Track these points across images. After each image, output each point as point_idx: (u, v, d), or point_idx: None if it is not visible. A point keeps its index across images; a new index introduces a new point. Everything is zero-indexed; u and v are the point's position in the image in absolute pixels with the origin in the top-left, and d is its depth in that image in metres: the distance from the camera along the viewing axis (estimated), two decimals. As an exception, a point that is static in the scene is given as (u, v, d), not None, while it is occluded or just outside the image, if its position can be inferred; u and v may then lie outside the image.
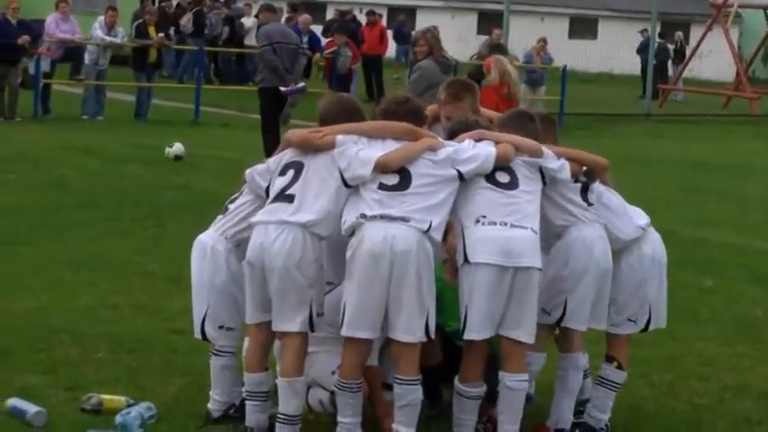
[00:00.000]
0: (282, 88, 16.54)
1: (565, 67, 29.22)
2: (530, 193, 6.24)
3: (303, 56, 17.63)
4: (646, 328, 6.83)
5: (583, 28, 54.54)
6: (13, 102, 21.52)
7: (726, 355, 8.68)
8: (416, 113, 6.51)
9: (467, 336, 6.09)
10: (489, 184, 6.18)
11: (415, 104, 6.61)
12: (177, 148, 17.24)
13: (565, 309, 6.48)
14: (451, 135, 6.56)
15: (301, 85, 17.24)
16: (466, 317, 6.07)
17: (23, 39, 21.21)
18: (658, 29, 37.69)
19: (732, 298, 10.59)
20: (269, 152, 16.86)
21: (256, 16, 31.28)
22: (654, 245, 6.80)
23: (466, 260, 6.05)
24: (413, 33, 16.54)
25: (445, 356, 6.52)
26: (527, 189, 6.23)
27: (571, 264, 6.44)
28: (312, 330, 6.13)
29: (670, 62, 39.69)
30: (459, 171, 6.14)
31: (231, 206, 6.58)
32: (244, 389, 6.35)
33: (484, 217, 6.09)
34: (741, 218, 15.57)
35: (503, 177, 6.21)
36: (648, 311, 6.76)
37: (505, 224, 6.06)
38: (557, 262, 6.48)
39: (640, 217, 6.81)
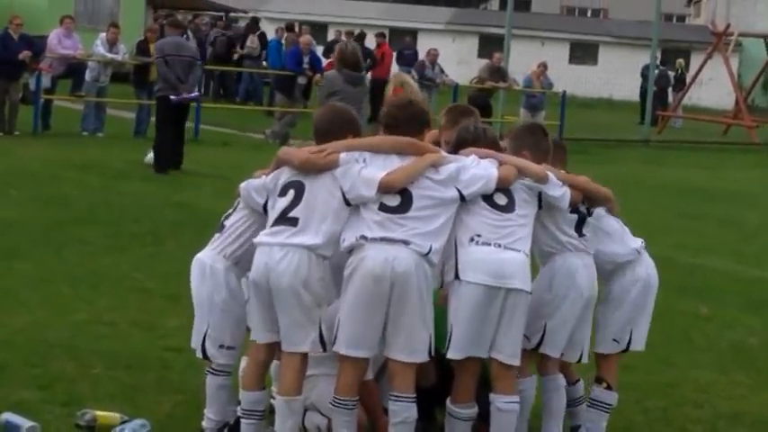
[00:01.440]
0: (172, 97, 17.87)
1: (564, 92, 29.29)
2: (524, 216, 6.26)
3: (198, 67, 18.98)
4: (626, 349, 6.86)
5: (583, 53, 54.75)
6: (12, 117, 21.54)
7: (720, 382, 8.68)
8: (418, 117, 6.47)
9: (449, 354, 6.11)
10: (486, 205, 6.20)
11: (417, 108, 6.55)
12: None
13: (543, 335, 6.50)
14: (458, 143, 6.56)
15: (194, 94, 18.69)
16: (450, 335, 6.08)
17: (24, 54, 21.25)
18: (659, 56, 37.80)
19: (728, 325, 10.60)
20: (158, 156, 17.95)
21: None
22: (648, 269, 6.84)
23: (456, 277, 6.06)
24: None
25: (440, 378, 6.53)
26: (522, 213, 6.25)
27: (554, 289, 6.47)
28: (324, 350, 6.12)
29: (670, 89, 39.78)
30: (460, 192, 6.16)
31: (227, 223, 6.57)
32: (239, 407, 6.35)
33: (479, 236, 6.11)
34: (738, 245, 15.59)
35: (500, 199, 6.23)
36: (630, 333, 6.80)
37: (499, 246, 6.08)
38: (540, 287, 6.50)
39: (636, 241, 6.86)
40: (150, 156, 18.30)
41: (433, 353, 6.08)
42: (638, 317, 6.82)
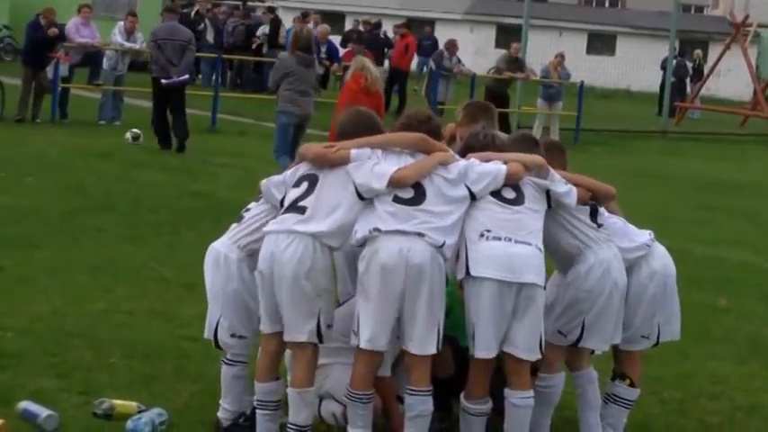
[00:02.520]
0: (164, 80, 18.94)
1: (582, 82, 29.21)
2: (535, 211, 6.25)
3: (191, 51, 19.81)
4: (657, 342, 6.86)
5: (601, 44, 54.59)
6: (37, 105, 21.72)
7: (738, 374, 8.67)
8: (436, 132, 6.53)
9: (477, 354, 6.10)
10: (494, 199, 6.20)
11: (436, 123, 6.61)
12: (133, 132, 19.62)
13: (582, 330, 6.49)
14: (465, 149, 6.58)
15: (184, 77, 19.32)
16: (474, 335, 6.07)
17: (52, 31, 21.41)
18: (677, 47, 37.68)
19: (745, 317, 10.58)
20: (157, 132, 19.08)
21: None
22: (662, 259, 6.82)
23: (468, 273, 6.05)
24: None
25: (457, 369, 6.53)
26: (532, 207, 6.25)
27: (590, 286, 6.43)
28: (321, 342, 6.15)
29: (688, 80, 39.64)
30: (470, 191, 6.16)
31: (246, 215, 6.60)
32: (254, 398, 6.38)
33: (488, 231, 6.09)
34: (756, 237, 15.56)
35: (509, 194, 6.23)
36: (658, 325, 6.78)
37: (510, 239, 6.06)
38: (575, 285, 6.47)
39: (642, 235, 6.82)
40: (128, 135, 19.61)
41: (440, 346, 6.07)
42: (664, 308, 6.79)
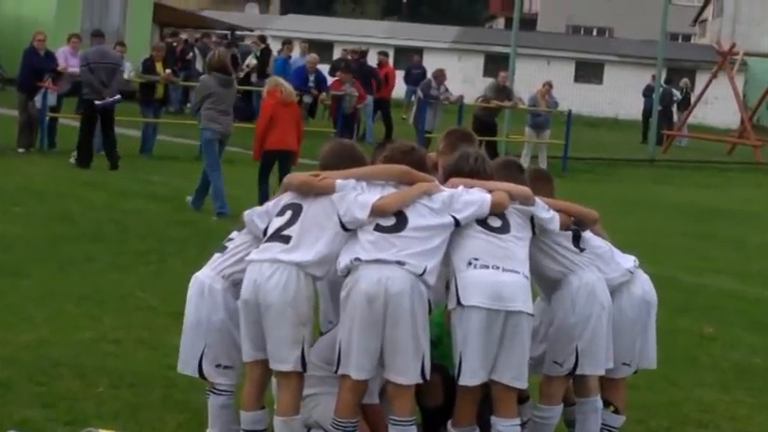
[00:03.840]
0: (97, 102, 19.85)
1: (570, 111, 29.30)
2: (521, 239, 6.27)
3: (121, 73, 20.93)
4: (636, 370, 6.87)
5: (589, 72, 54.78)
6: (31, 131, 21.78)
7: (724, 402, 8.68)
8: (421, 164, 6.53)
9: (462, 382, 6.10)
10: (481, 228, 6.21)
11: (420, 154, 6.61)
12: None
13: (577, 357, 6.50)
14: (452, 172, 6.55)
15: (116, 97, 20.23)
16: (461, 362, 6.07)
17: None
18: (664, 75, 37.82)
19: (732, 345, 10.59)
20: (80, 152, 19.87)
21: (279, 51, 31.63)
22: (644, 286, 6.85)
23: (459, 303, 6.06)
24: None
25: (446, 398, 6.53)
26: (518, 235, 6.27)
27: (577, 311, 6.46)
28: (305, 370, 6.15)
29: (674, 108, 39.76)
30: (455, 218, 6.18)
31: (229, 245, 6.60)
32: (241, 428, 6.36)
33: (476, 260, 6.10)
34: (743, 265, 15.59)
35: (495, 222, 6.25)
36: (638, 353, 6.80)
37: (497, 268, 6.07)
38: (562, 311, 6.49)
39: (627, 261, 6.85)
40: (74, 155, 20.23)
41: (428, 376, 6.07)
42: (643, 336, 6.82)
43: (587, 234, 6.72)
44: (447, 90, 28.61)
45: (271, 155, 15.94)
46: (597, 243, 6.78)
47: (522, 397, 6.82)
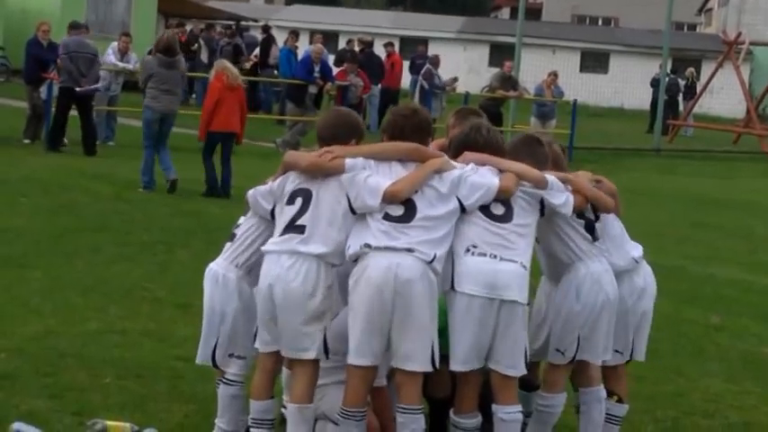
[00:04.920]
0: (77, 88, 20.45)
1: (575, 100, 29.25)
2: (523, 226, 6.20)
3: (98, 63, 21.47)
4: (629, 359, 6.86)
5: (594, 62, 54.79)
6: (39, 123, 21.70)
7: (731, 392, 8.67)
8: (423, 127, 6.43)
9: (452, 367, 6.10)
10: (483, 215, 6.15)
11: (421, 117, 6.49)
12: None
13: (578, 345, 6.49)
14: (466, 144, 6.46)
15: (95, 86, 21.04)
16: (453, 348, 6.06)
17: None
18: (670, 65, 37.77)
19: (739, 335, 10.58)
20: (51, 136, 20.70)
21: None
22: (646, 277, 6.83)
23: (452, 287, 6.04)
24: None
25: (454, 389, 6.51)
26: (521, 222, 6.19)
27: (582, 299, 6.44)
28: (327, 357, 6.13)
29: (680, 97, 39.73)
30: (461, 203, 6.15)
31: (237, 232, 6.57)
32: (249, 417, 6.36)
33: (474, 247, 6.07)
34: (749, 255, 15.59)
35: (497, 209, 6.18)
36: (632, 343, 6.79)
37: (495, 256, 6.04)
38: (568, 299, 6.48)
39: (635, 249, 6.83)
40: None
41: (437, 364, 6.04)
42: (639, 326, 6.81)
43: (609, 217, 6.67)
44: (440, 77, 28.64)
45: (215, 136, 16.76)
46: (613, 224, 6.73)
47: (532, 385, 6.83)
